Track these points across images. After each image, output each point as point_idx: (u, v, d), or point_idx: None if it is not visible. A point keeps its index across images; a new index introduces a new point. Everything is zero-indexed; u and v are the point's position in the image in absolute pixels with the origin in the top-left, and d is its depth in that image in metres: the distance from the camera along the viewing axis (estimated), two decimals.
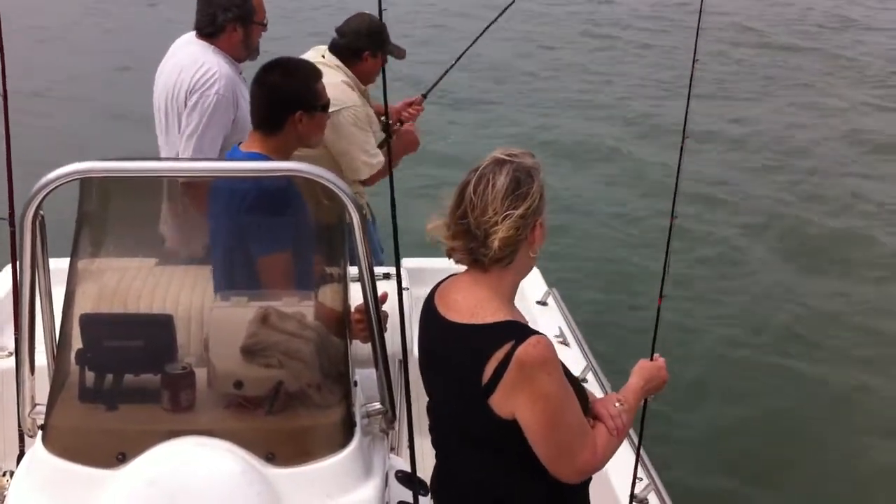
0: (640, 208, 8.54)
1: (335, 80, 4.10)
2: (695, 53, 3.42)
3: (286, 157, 3.07)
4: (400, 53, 4.36)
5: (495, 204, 2.18)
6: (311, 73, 3.14)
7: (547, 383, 2.16)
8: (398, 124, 4.47)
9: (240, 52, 3.79)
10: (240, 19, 3.78)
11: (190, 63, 3.70)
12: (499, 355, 2.16)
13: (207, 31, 3.78)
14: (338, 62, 4.21)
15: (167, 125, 3.82)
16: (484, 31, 4.81)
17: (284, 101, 3.02)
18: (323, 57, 4.21)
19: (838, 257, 7.92)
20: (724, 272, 7.55)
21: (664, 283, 2.99)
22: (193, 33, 3.87)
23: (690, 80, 3.31)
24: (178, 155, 3.67)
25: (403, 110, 4.50)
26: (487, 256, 2.22)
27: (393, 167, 4.23)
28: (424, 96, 4.63)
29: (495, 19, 4.82)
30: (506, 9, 4.84)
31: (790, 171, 9.86)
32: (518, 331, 2.20)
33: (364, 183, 4.23)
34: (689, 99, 3.25)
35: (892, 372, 6.23)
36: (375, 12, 2.97)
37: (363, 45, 4.21)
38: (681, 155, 3.18)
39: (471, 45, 4.79)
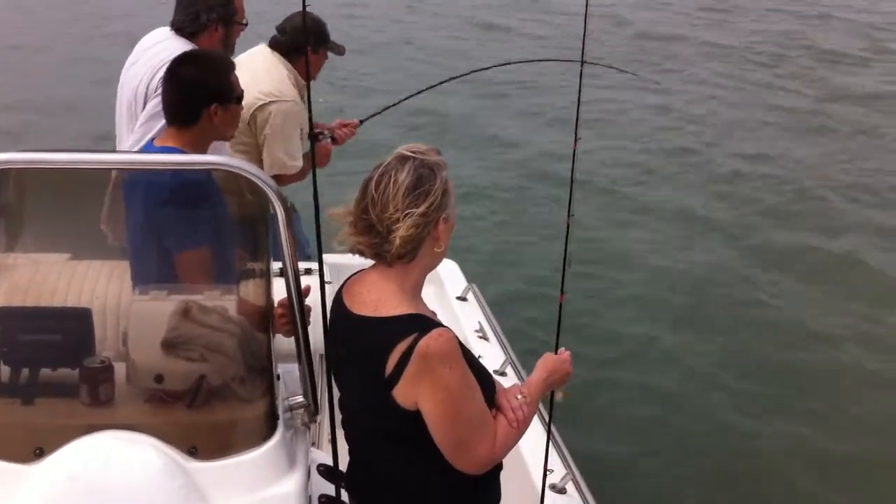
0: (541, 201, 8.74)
1: (282, 74, 4.14)
2: (583, 50, 3.51)
3: (202, 151, 3.04)
4: (340, 50, 4.38)
5: (396, 201, 2.21)
6: (225, 66, 3.12)
7: (448, 376, 2.20)
8: (329, 140, 4.48)
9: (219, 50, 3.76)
10: (222, 19, 3.77)
11: (167, 55, 3.62)
12: (401, 347, 2.19)
13: (189, 30, 3.75)
14: (280, 57, 4.24)
15: (129, 122, 3.75)
16: (442, 82, 4.82)
17: (199, 94, 2.99)
18: (263, 53, 4.26)
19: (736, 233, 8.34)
20: (627, 261, 7.79)
21: (564, 280, 3.07)
22: (166, 29, 3.82)
23: (580, 80, 3.39)
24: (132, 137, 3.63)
25: (338, 128, 4.51)
26: (390, 253, 2.25)
27: (303, 178, 4.28)
28: (361, 122, 4.64)
29: (461, 76, 4.88)
30: (472, 72, 4.92)
31: (671, 156, 10.24)
32: (421, 323, 2.24)
33: (277, 180, 4.22)
34: (579, 97, 3.33)
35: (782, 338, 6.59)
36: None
37: (304, 41, 4.18)
38: (574, 156, 3.27)
39: (419, 92, 4.79)
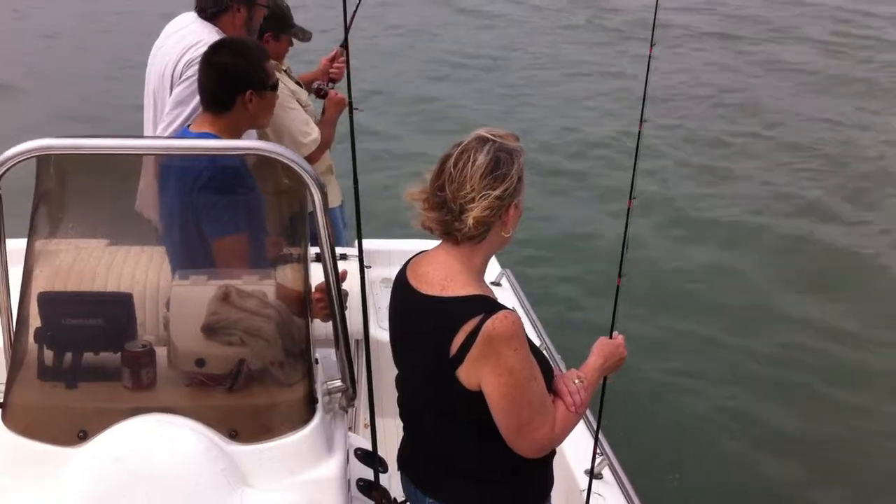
0: (603, 190, 8.64)
1: None
2: (651, 41, 3.47)
3: (236, 137, 3.07)
4: (305, 36, 4.31)
5: (473, 181, 2.22)
6: (261, 53, 3.14)
7: (512, 358, 2.20)
8: (330, 84, 4.39)
9: (241, 33, 3.76)
10: (245, 1, 3.76)
11: (192, 40, 3.66)
12: (467, 328, 2.19)
13: (212, 10, 3.76)
14: None
15: (157, 108, 3.77)
16: None
17: (234, 80, 3.01)
18: None
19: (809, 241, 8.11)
20: (684, 252, 7.67)
21: (623, 263, 3.05)
22: (193, 14, 3.83)
23: (648, 63, 3.36)
24: (160, 125, 3.65)
25: (329, 69, 4.42)
26: (461, 232, 2.26)
27: (330, 135, 4.21)
28: (343, 46, 4.31)
29: None
30: None
31: (757, 152, 10.04)
32: (487, 305, 2.24)
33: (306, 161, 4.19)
34: (647, 82, 3.31)
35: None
36: None
37: (264, 27, 4.12)
38: (639, 137, 3.24)
39: None
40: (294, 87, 4.21)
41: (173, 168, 2.78)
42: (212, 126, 3.02)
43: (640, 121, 3.29)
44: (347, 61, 2.88)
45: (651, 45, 3.47)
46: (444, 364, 2.23)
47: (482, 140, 2.26)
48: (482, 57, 13.08)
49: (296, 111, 4.10)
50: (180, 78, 3.66)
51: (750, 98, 11.94)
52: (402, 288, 2.40)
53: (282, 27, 4.20)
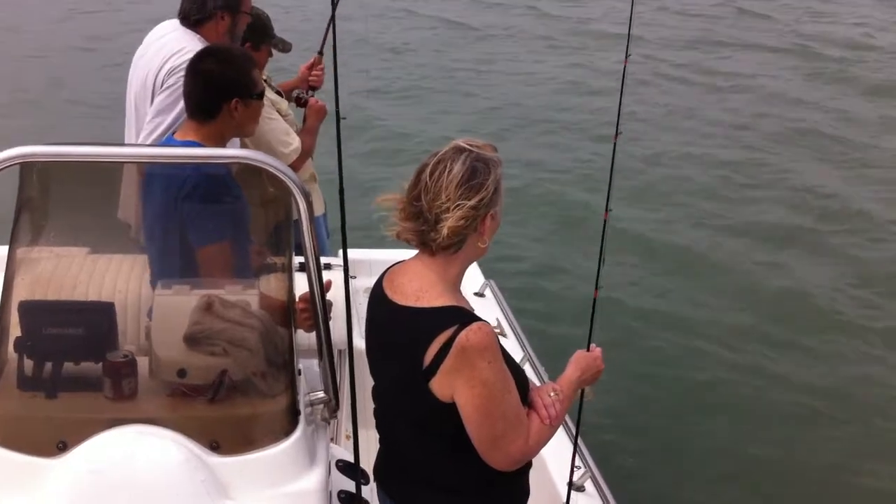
0: (579, 201, 8.67)
1: None
2: (627, 48, 3.48)
3: (221, 146, 3.05)
4: (285, 47, 4.30)
5: (448, 191, 2.21)
6: (247, 61, 3.13)
7: (486, 370, 2.19)
8: (310, 92, 4.38)
9: (224, 41, 3.74)
10: (229, 7, 3.75)
11: (173, 48, 3.64)
12: (441, 339, 2.19)
13: (195, 17, 3.73)
14: None
15: (137, 115, 3.75)
16: None
17: (220, 88, 2.99)
18: None
19: (777, 243, 8.21)
20: (661, 264, 7.71)
21: (599, 275, 3.05)
22: (175, 21, 3.81)
23: (623, 76, 3.36)
24: (141, 134, 3.62)
25: (308, 77, 4.41)
26: (436, 242, 2.25)
27: (311, 144, 4.19)
28: (320, 53, 4.47)
29: None
30: None
31: (726, 159, 10.12)
32: (461, 316, 2.23)
33: None
34: (621, 95, 3.31)
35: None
36: None
37: (244, 36, 4.07)
38: (614, 150, 3.24)
39: None
40: (274, 96, 4.19)
41: (157, 176, 2.76)
42: (196, 134, 3.00)
43: (616, 133, 3.30)
44: (335, 68, 2.86)
45: (626, 56, 3.48)
46: (418, 375, 2.22)
47: (459, 150, 2.26)
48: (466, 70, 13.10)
49: (275, 121, 4.08)
50: (162, 86, 3.64)
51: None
52: (377, 299, 2.39)
53: (261, 37, 4.18)
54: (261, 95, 3.14)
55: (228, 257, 2.73)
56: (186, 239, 2.76)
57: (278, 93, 4.32)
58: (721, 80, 13.31)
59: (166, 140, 3.29)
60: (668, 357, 6.36)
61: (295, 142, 4.11)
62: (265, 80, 4.18)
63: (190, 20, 3.77)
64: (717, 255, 7.96)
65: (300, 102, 4.36)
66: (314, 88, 4.38)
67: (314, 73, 4.41)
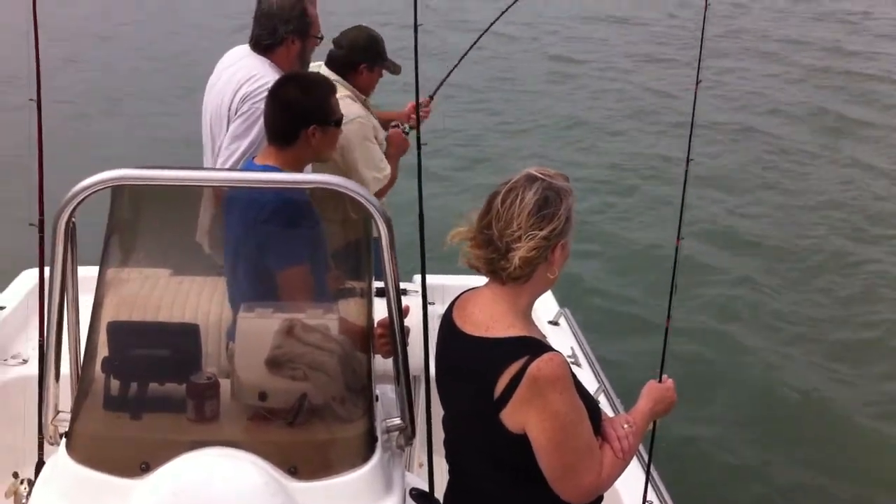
0: (651, 231, 8.57)
1: (338, 95, 4.11)
2: (698, 74, 3.43)
3: (299, 170, 3.08)
4: (396, 69, 4.36)
5: (520, 219, 2.18)
6: (326, 88, 3.16)
7: (558, 401, 2.15)
8: (405, 126, 4.43)
9: (295, 65, 3.81)
10: (298, 32, 3.81)
11: (245, 74, 3.71)
12: (512, 370, 2.15)
13: (266, 42, 3.80)
14: (336, 77, 4.16)
15: (213, 142, 3.82)
16: (489, 27, 4.77)
17: (299, 115, 3.03)
18: (320, 71, 4.20)
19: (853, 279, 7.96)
20: (733, 293, 7.55)
21: (671, 305, 2.99)
22: (246, 47, 3.89)
23: (693, 106, 3.31)
24: (218, 160, 3.69)
25: (412, 113, 4.46)
26: (506, 271, 2.22)
27: (395, 173, 4.25)
28: (431, 97, 4.58)
29: (500, 15, 4.79)
30: (511, 4, 4.82)
31: (801, 198, 9.90)
32: (532, 346, 2.20)
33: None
34: (692, 125, 3.26)
35: None
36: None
37: (359, 57, 4.19)
38: (685, 178, 3.19)
39: (476, 41, 4.74)
40: (376, 123, 4.25)
41: (237, 200, 2.80)
42: (276, 159, 3.04)
43: (687, 160, 3.24)
44: (417, 95, 2.89)
45: (697, 82, 3.43)
46: (489, 407, 2.19)
47: (531, 178, 2.23)
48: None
49: (374, 146, 4.14)
50: (236, 113, 3.70)
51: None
52: (447, 328, 2.37)
53: (375, 59, 4.23)
54: (339, 122, 3.17)
55: (308, 280, 2.75)
56: (265, 262, 2.79)
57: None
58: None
59: (246, 164, 3.34)
60: (744, 386, 6.23)
61: (387, 169, 4.16)
62: (365, 104, 4.24)
63: (261, 46, 3.83)
64: (790, 280, 7.81)
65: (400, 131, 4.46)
66: (413, 127, 4.44)
67: (421, 111, 4.48)
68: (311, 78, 3.34)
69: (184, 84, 11.05)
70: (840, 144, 11.64)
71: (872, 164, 10.84)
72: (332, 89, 3.18)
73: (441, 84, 4.66)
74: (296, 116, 3.03)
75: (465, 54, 4.68)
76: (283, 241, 2.76)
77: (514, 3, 4.81)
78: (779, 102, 13.26)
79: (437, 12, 15.68)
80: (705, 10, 3.40)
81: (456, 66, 4.66)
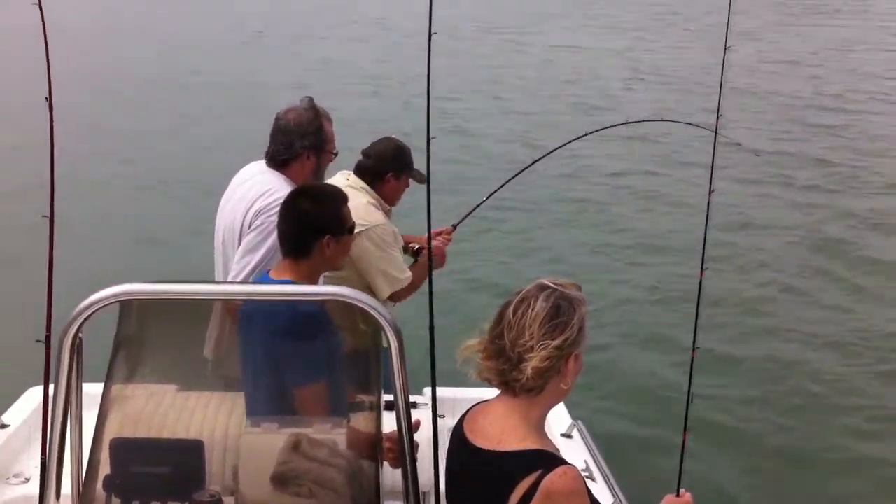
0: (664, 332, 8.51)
1: (361, 200, 4.17)
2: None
3: (314, 282, 3.09)
4: (422, 178, 4.44)
5: (532, 329, 2.17)
6: (338, 198, 3.20)
7: None
8: (423, 251, 4.51)
9: (309, 181, 3.87)
10: (314, 147, 3.89)
11: (260, 189, 3.77)
12: (525, 484, 2.10)
13: (282, 158, 3.87)
14: (362, 184, 4.29)
15: (226, 255, 3.84)
16: (521, 171, 4.90)
17: (313, 227, 3.05)
18: (348, 179, 4.30)
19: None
20: (750, 399, 7.45)
21: (688, 417, 2.94)
22: (261, 163, 3.96)
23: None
24: (230, 274, 3.71)
25: (433, 238, 4.54)
26: (518, 382, 2.19)
27: (418, 286, 4.30)
28: (455, 227, 4.70)
29: (535, 161, 4.94)
30: (552, 151, 5.02)
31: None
32: (546, 460, 2.15)
33: (392, 299, 4.25)
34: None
35: None
36: None
37: (387, 167, 4.29)
38: (700, 286, 3.17)
39: (505, 183, 4.87)
40: (395, 230, 4.32)
41: (253, 314, 2.79)
42: (292, 273, 3.03)
43: (701, 269, 3.23)
44: (428, 198, 2.94)
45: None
46: None
47: (542, 287, 2.23)
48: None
49: (397, 254, 4.23)
50: (250, 227, 3.73)
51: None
52: (458, 442, 2.32)
53: (402, 168, 4.33)
54: (351, 230, 3.20)
55: (323, 397, 2.71)
56: (283, 379, 2.75)
57: None
58: None
59: (262, 279, 3.34)
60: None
61: (408, 272, 4.24)
62: (386, 213, 4.31)
63: (277, 161, 3.90)
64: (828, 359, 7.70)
65: (415, 253, 4.55)
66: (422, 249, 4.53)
67: (440, 238, 4.58)
68: (322, 189, 3.38)
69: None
70: None
71: None
72: (343, 198, 3.22)
73: (465, 217, 4.78)
74: (309, 229, 3.05)
75: (494, 192, 4.83)
76: (299, 357, 2.74)
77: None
78: None
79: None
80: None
81: (482, 203, 4.80)
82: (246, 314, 2.75)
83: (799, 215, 11.60)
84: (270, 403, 2.68)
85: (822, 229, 11.26)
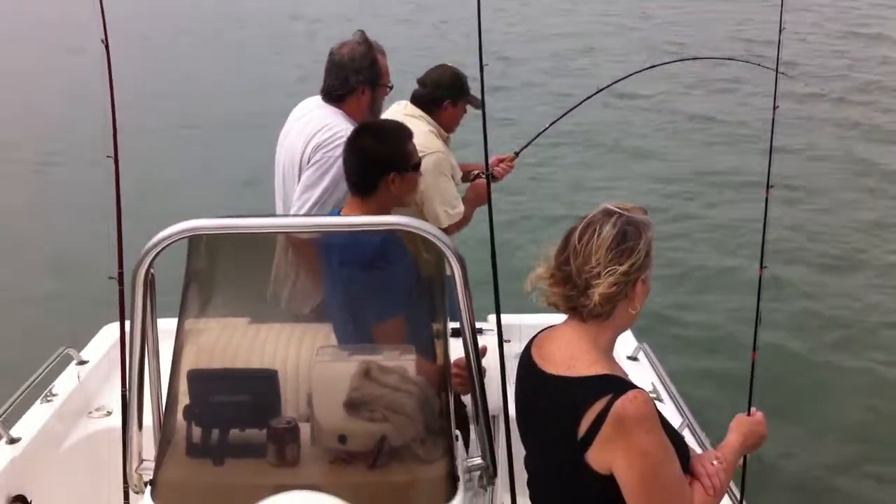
0: (731, 260, 8.40)
1: (421, 128, 4.15)
2: (774, 99, 3.36)
3: None
4: (478, 103, 4.40)
5: (599, 254, 2.14)
6: (403, 135, 3.18)
7: (645, 440, 2.09)
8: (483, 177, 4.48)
9: (366, 115, 3.88)
10: (369, 81, 3.88)
11: (318, 125, 3.78)
12: (596, 409, 2.10)
13: (338, 93, 3.88)
14: (420, 112, 4.28)
15: (286, 191, 3.89)
16: (585, 99, 4.81)
17: (378, 164, 3.05)
18: (406, 109, 4.29)
19: None
20: (819, 319, 7.34)
21: (757, 336, 2.91)
22: (317, 98, 3.97)
23: (772, 127, 3.24)
24: (291, 210, 3.75)
25: (495, 165, 4.50)
26: (586, 308, 2.18)
27: (469, 215, 4.28)
28: (517, 154, 4.65)
29: (600, 90, 4.83)
30: (618, 80, 4.90)
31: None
32: (616, 384, 2.14)
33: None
34: (771, 147, 3.19)
35: None
36: None
37: (443, 94, 4.27)
38: (766, 205, 3.11)
39: (569, 111, 4.80)
40: (454, 162, 4.30)
41: (330, 247, 2.82)
42: (360, 209, 3.04)
43: (767, 187, 3.16)
44: (484, 125, 2.90)
45: (774, 107, 3.35)
46: (573, 446, 2.13)
47: (608, 213, 2.20)
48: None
49: (450, 182, 4.18)
50: (308, 162, 3.75)
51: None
52: (526, 368, 2.32)
53: (459, 94, 4.30)
54: (417, 167, 3.19)
55: (403, 331, 2.72)
56: (363, 313, 2.77)
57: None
58: None
59: (333, 215, 3.36)
60: (840, 413, 6.00)
61: (460, 206, 4.19)
62: (445, 141, 4.29)
63: (332, 96, 3.89)
64: (880, 309, 7.52)
65: (474, 179, 4.50)
66: (495, 178, 4.46)
67: (502, 165, 4.56)
68: (386, 126, 3.37)
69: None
70: None
71: None
72: (408, 135, 3.20)
73: (527, 144, 4.72)
74: (374, 166, 3.05)
75: (558, 119, 4.76)
76: (379, 293, 2.76)
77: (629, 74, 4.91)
78: None
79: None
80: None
81: (546, 129, 4.74)
82: (324, 247, 2.77)
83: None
84: (353, 336, 2.71)
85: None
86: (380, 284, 2.73)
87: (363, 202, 3.04)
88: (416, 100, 4.33)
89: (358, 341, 2.68)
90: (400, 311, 2.73)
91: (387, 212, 3.12)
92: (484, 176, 4.42)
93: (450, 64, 4.44)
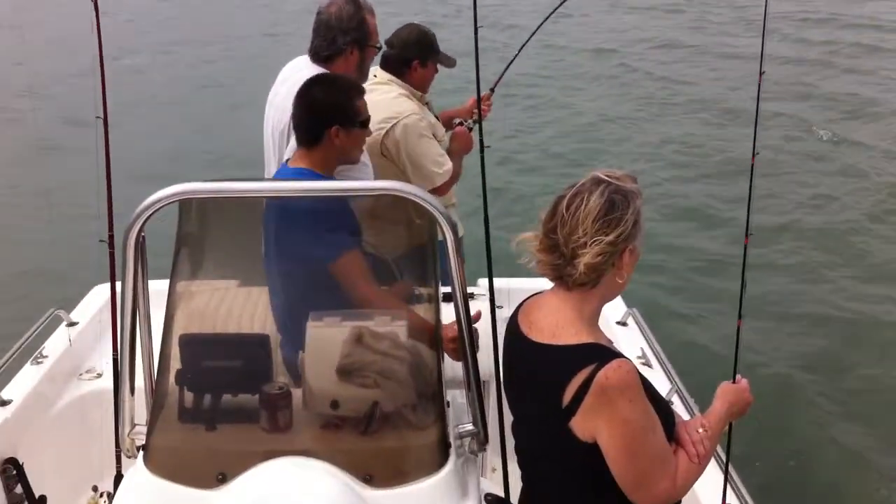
0: (718, 227, 8.42)
1: (391, 94, 4.11)
2: (761, 65, 3.34)
3: (329, 172, 3.09)
4: (450, 62, 4.33)
5: (585, 224, 2.13)
6: (352, 89, 3.15)
7: (628, 409, 2.10)
8: (469, 122, 4.41)
9: (354, 75, 3.83)
10: (357, 42, 3.84)
11: None
12: (580, 378, 2.10)
13: (325, 53, 3.84)
14: (390, 76, 4.20)
15: (276, 155, 3.86)
16: (546, 19, 4.72)
17: (322, 114, 3.04)
18: (375, 76, 4.20)
19: None
20: (803, 289, 7.38)
21: (742, 304, 2.91)
22: (305, 58, 3.92)
23: (758, 93, 3.23)
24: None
25: (474, 108, 4.43)
26: (572, 278, 2.18)
27: (457, 169, 4.23)
28: (492, 90, 4.55)
29: (557, 7, 4.75)
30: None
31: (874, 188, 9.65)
32: (600, 353, 2.14)
33: (435, 192, 4.21)
34: (757, 115, 3.17)
35: None
36: None
37: (412, 54, 4.18)
38: (752, 172, 3.10)
39: (532, 34, 4.68)
40: (433, 120, 4.24)
41: (276, 208, 2.79)
42: (305, 160, 3.05)
43: (753, 154, 3.15)
44: (478, 95, 2.86)
45: (760, 73, 3.34)
46: (557, 415, 2.14)
47: (597, 181, 2.17)
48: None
49: (431, 142, 4.11)
50: None
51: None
52: (513, 335, 2.32)
53: (428, 54, 4.22)
54: (365, 124, 3.15)
55: (362, 264, 2.74)
56: (316, 258, 2.77)
57: (436, 118, 4.38)
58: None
59: (281, 168, 3.35)
60: (824, 380, 6.08)
61: (447, 164, 4.14)
62: (426, 104, 4.23)
63: (320, 57, 3.85)
64: (867, 283, 7.58)
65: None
66: (475, 121, 4.41)
67: (484, 106, 4.43)
68: (336, 79, 3.34)
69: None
70: None
71: None
72: (358, 90, 3.17)
73: (500, 77, 4.62)
74: (318, 117, 3.04)
75: (522, 48, 4.62)
76: (326, 236, 2.76)
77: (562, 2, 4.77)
78: None
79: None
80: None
81: (514, 59, 4.62)
82: (269, 209, 2.75)
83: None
84: (313, 290, 2.71)
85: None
86: (325, 231, 2.74)
87: (308, 153, 3.05)
88: (385, 62, 4.24)
89: (319, 291, 2.68)
90: (352, 246, 2.75)
91: (333, 165, 3.11)
92: (464, 123, 4.39)
93: (417, 23, 4.34)
